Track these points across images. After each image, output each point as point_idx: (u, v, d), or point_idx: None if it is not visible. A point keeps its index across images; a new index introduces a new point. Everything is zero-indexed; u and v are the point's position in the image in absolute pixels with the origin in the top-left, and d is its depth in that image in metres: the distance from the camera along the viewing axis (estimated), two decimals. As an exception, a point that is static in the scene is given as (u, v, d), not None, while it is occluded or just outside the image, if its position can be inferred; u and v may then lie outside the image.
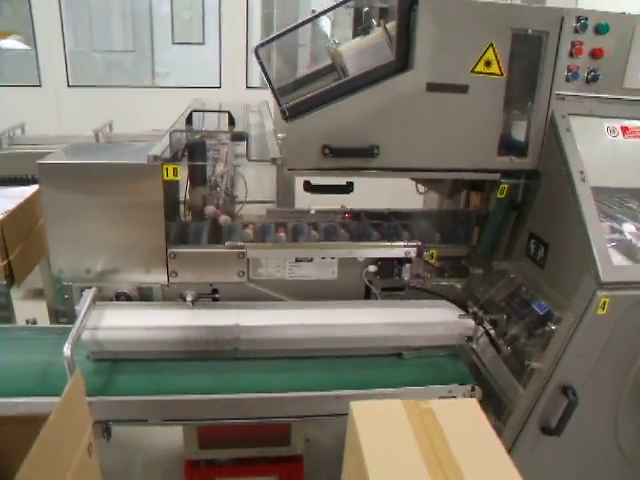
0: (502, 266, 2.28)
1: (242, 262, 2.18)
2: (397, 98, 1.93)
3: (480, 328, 2.12)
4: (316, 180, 2.14)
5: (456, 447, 1.32)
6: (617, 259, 1.90)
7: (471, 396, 2.05)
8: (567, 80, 2.08)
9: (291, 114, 1.92)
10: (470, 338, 2.13)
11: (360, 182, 2.17)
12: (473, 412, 1.45)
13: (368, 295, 2.35)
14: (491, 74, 1.97)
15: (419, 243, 2.24)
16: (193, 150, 2.26)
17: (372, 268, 2.26)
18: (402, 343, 2.13)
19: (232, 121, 2.29)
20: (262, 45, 1.93)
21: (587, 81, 2.11)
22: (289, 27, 1.95)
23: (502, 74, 1.98)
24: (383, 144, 1.96)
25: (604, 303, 1.81)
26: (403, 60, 1.93)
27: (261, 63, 1.91)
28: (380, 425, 1.39)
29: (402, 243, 2.24)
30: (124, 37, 6.33)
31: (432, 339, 2.13)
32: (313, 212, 2.52)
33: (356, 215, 2.55)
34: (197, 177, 2.34)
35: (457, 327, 2.12)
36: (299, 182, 3.18)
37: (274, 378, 2.02)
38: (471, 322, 2.10)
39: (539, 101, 2.04)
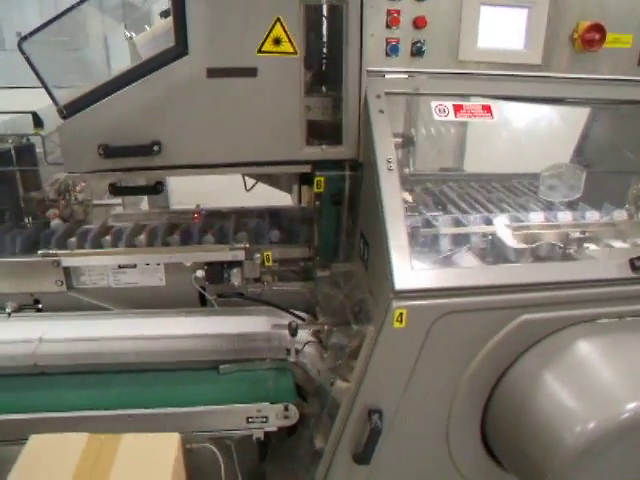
0: (340, 268, 2.04)
1: (59, 271, 2.05)
2: (175, 88, 1.73)
3: (299, 339, 1.90)
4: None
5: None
6: (423, 264, 1.64)
7: (285, 417, 1.84)
8: (387, 54, 1.82)
9: (68, 112, 1.76)
10: (288, 351, 1.91)
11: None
12: (162, 449, 1.26)
13: (204, 302, 2.17)
14: (283, 53, 1.73)
15: (247, 245, 2.04)
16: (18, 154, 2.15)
17: (200, 273, 2.08)
18: (215, 357, 1.94)
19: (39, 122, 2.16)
20: (25, 38, 1.77)
21: (412, 54, 1.83)
22: (54, 16, 1.78)
23: (296, 52, 1.73)
24: (166, 140, 1.76)
25: (400, 315, 1.56)
26: (183, 45, 1.72)
27: (27, 58, 1.76)
28: (43, 462, 1.22)
29: (228, 245, 2.05)
30: None
31: (243, 352, 1.93)
32: (156, 212, 2.35)
33: (210, 214, 2.37)
34: (29, 182, 2.24)
35: (272, 339, 1.91)
36: (174, 180, 3.04)
37: (72, 395, 1.89)
38: (285, 333, 1.88)
39: (348, 80, 1.78)
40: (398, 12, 1.78)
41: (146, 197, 2.83)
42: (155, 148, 1.75)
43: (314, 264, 2.12)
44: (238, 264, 2.06)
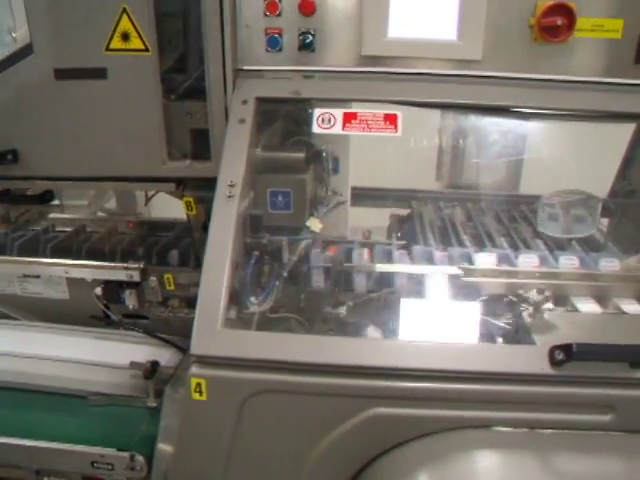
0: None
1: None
2: (24, 91, 1.55)
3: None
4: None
5: None
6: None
7: (131, 468, 1.61)
8: (268, 49, 1.47)
9: None
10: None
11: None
12: None
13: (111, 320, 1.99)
14: (133, 50, 1.46)
15: (141, 265, 1.82)
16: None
17: (98, 291, 1.90)
18: (83, 387, 1.75)
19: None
20: None
21: (300, 48, 1.46)
22: None
23: (147, 49, 1.46)
24: (23, 148, 1.59)
25: (198, 385, 1.24)
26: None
27: None
28: None
29: (122, 264, 1.84)
30: None
31: (116, 386, 1.72)
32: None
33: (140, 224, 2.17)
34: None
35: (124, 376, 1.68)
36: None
37: None
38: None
39: (211, 83, 1.47)
40: (279, -4, 1.42)
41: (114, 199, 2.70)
42: (9, 157, 1.58)
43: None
44: (135, 285, 1.85)
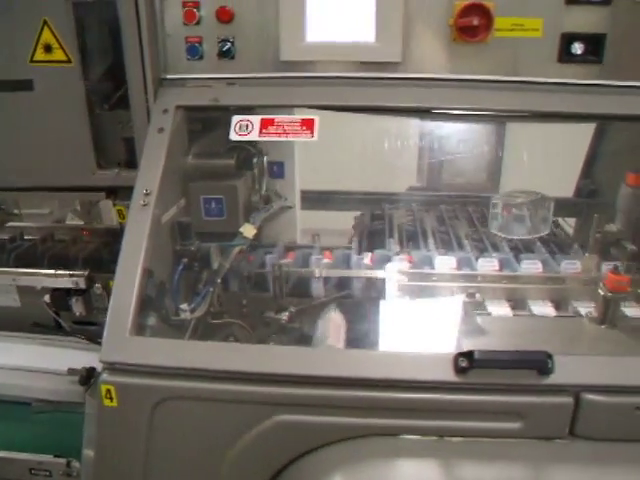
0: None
1: None
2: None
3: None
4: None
5: None
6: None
7: (67, 474, 1.63)
8: (189, 58, 1.47)
9: None
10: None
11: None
12: None
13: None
14: (56, 62, 1.48)
15: (86, 273, 1.83)
16: None
17: (47, 298, 1.92)
18: (21, 392, 1.77)
19: None
20: None
21: (220, 56, 1.46)
22: None
23: (70, 61, 1.47)
24: (-42, 159, 1.62)
25: (108, 392, 1.25)
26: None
27: None
28: None
29: (68, 272, 1.86)
30: None
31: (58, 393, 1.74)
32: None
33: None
34: None
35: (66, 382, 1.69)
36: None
37: None
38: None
39: (133, 93, 1.47)
40: (196, 4, 1.42)
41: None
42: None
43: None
44: (82, 292, 1.86)
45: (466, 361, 1.14)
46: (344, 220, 2.11)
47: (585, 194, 2.18)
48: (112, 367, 1.23)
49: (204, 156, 1.61)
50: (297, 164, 1.86)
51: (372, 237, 1.99)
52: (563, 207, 2.05)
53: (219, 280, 1.58)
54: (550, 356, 1.12)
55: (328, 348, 1.24)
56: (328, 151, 2.13)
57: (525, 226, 1.76)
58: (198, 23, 1.43)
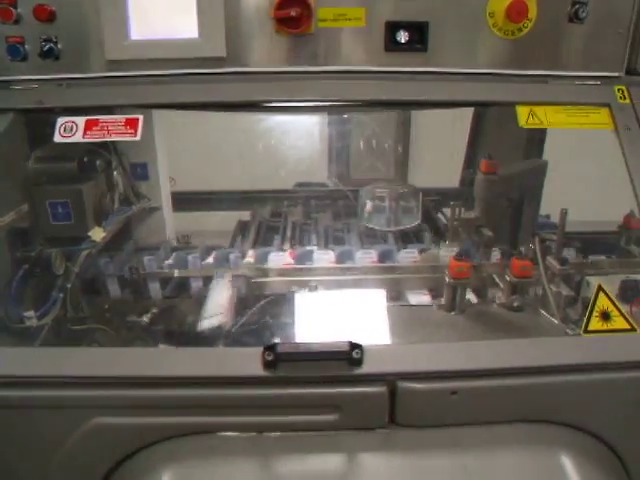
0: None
1: None
2: None
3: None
4: None
5: None
6: None
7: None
8: (10, 59, 1.43)
9: None
10: None
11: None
12: None
13: None
14: None
15: None
16: None
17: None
18: None
19: None
20: None
21: (42, 57, 1.42)
22: None
23: None
24: None
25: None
26: None
27: None
28: None
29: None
30: None
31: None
32: None
33: None
34: None
35: None
36: None
37: None
38: None
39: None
40: (12, 2, 1.38)
41: None
42: None
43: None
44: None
45: (272, 355, 1.12)
46: (228, 221, 2.10)
47: (468, 183, 2.20)
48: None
49: (48, 160, 1.57)
50: (160, 165, 1.83)
51: (259, 236, 1.99)
52: (451, 197, 2.06)
53: (69, 285, 1.55)
54: (357, 346, 1.11)
55: (141, 348, 1.22)
56: (205, 151, 2.12)
57: (385, 217, 1.77)
58: (17, 22, 1.39)
